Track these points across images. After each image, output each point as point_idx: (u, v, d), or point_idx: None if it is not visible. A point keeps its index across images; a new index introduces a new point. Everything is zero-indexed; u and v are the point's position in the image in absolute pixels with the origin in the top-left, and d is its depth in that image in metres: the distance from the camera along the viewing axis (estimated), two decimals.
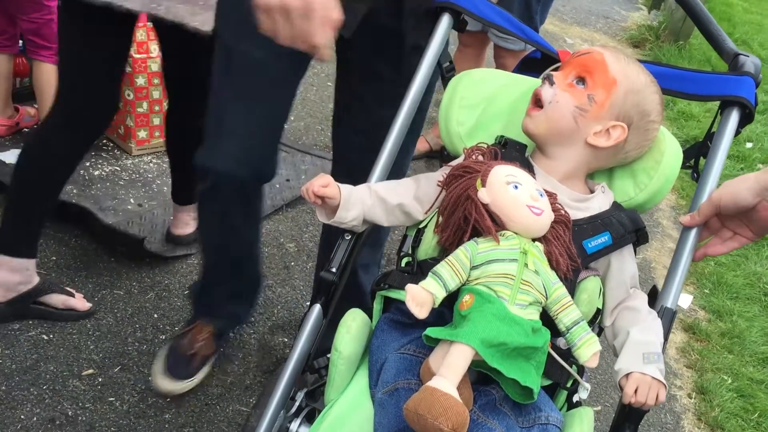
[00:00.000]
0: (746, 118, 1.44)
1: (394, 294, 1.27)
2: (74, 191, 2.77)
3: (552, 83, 1.35)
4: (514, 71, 1.72)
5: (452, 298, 1.17)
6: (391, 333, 1.24)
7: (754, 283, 3.36)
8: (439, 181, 1.31)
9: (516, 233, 1.18)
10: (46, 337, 2.18)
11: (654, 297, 1.39)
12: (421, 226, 1.34)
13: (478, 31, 3.13)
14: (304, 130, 3.65)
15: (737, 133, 1.45)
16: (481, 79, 1.50)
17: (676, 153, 1.39)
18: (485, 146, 1.34)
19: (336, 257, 1.40)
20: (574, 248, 1.24)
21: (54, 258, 2.48)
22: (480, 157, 1.32)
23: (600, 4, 7.30)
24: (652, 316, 1.31)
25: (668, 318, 1.33)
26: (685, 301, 3.13)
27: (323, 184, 1.29)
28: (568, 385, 1.23)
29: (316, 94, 3.99)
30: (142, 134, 3.05)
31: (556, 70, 1.41)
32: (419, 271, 1.25)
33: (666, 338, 1.31)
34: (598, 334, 1.35)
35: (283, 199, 3.04)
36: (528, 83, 1.51)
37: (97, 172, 2.92)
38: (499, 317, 1.08)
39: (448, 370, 1.03)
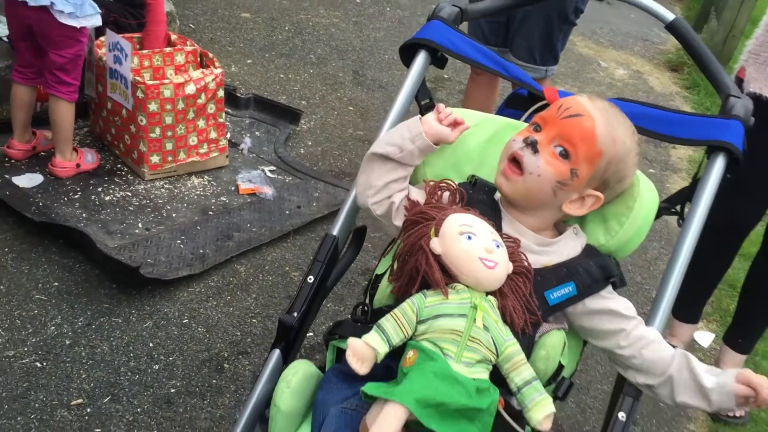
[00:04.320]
0: (734, 164, 1.36)
1: (344, 345, 1.22)
2: (83, 215, 2.79)
3: (536, 151, 1.26)
4: (498, 110, 1.67)
5: (401, 351, 1.12)
6: (337, 385, 1.19)
7: None
8: (405, 206, 1.27)
9: (468, 286, 1.12)
10: (39, 365, 2.19)
11: None
12: (378, 272, 1.29)
13: None
14: (321, 156, 3.63)
15: (724, 178, 1.37)
16: None
17: (650, 199, 1.32)
18: (453, 184, 1.29)
19: (297, 301, 1.37)
20: (535, 300, 1.18)
21: (56, 284, 2.50)
22: (446, 194, 1.27)
23: (639, 26, 7.15)
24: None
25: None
26: (706, 339, 3.00)
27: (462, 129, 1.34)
28: None
29: (336, 119, 3.98)
30: (155, 159, 3.07)
31: (541, 109, 1.35)
32: (373, 320, 1.20)
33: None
34: (567, 391, 1.28)
35: (292, 226, 3.01)
36: (498, 124, 1.45)
37: (108, 198, 2.94)
38: (440, 376, 1.03)
39: (379, 430, 0.98)
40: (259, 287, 2.70)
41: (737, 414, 2.63)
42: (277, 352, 1.34)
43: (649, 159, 4.43)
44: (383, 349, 1.08)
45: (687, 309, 2.76)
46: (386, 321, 1.11)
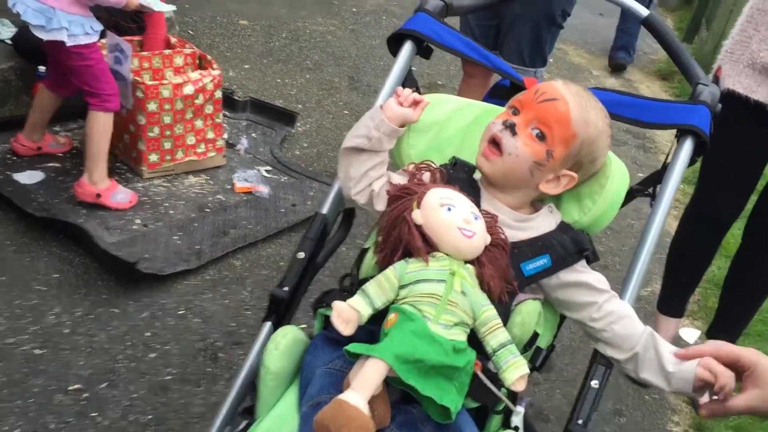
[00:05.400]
0: (701, 147, 1.44)
1: (331, 312, 1.29)
2: (83, 212, 2.85)
3: (514, 133, 1.32)
4: (485, 98, 1.74)
5: (384, 317, 1.18)
6: (323, 349, 1.26)
7: (766, 319, 3.27)
8: (387, 190, 1.33)
9: (447, 254, 1.19)
10: (38, 352, 2.25)
11: None
12: (365, 246, 1.36)
13: None
14: (316, 157, 3.71)
15: (692, 161, 1.45)
16: (432, 104, 1.51)
17: (621, 178, 1.40)
18: (433, 165, 1.36)
19: (289, 275, 1.43)
20: (511, 271, 1.24)
21: (56, 276, 2.56)
22: (426, 174, 1.34)
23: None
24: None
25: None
26: (691, 336, 3.06)
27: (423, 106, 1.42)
28: (499, 408, 1.23)
29: (332, 122, 4.05)
30: (153, 158, 3.14)
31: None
32: (358, 289, 1.27)
33: None
34: (544, 362, 1.35)
35: (287, 223, 3.08)
36: (478, 108, 1.53)
37: None
38: (419, 335, 1.10)
39: (359, 383, 1.05)
40: (254, 281, 2.76)
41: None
42: (268, 325, 1.41)
43: (638, 163, 4.51)
44: (366, 312, 1.15)
45: (672, 303, 2.83)
46: (370, 285, 1.17)
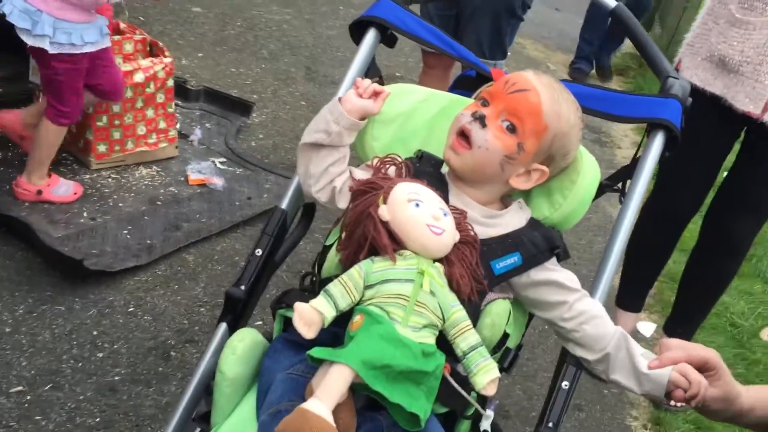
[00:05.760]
0: (672, 141, 1.41)
1: (292, 314, 1.22)
2: (26, 204, 2.72)
3: (484, 125, 1.26)
4: (450, 89, 1.69)
5: (349, 318, 1.12)
6: (283, 353, 1.20)
7: (721, 312, 3.30)
8: (350, 186, 1.27)
9: (415, 253, 1.14)
10: None
11: None
12: (327, 243, 1.30)
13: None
14: (272, 149, 3.62)
15: (663, 156, 1.42)
16: (397, 94, 1.45)
17: (592, 173, 1.36)
18: (398, 159, 1.30)
19: (245, 273, 1.36)
20: (481, 269, 1.19)
21: None
22: (392, 168, 1.28)
23: None
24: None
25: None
26: (648, 329, 3.08)
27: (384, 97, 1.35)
28: (468, 413, 1.18)
29: (288, 113, 3.96)
30: (101, 148, 3.01)
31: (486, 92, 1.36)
32: (321, 289, 1.20)
33: None
34: (512, 362, 1.31)
35: (242, 217, 2.99)
36: (446, 99, 1.47)
37: None
38: (386, 338, 1.04)
39: (323, 391, 0.99)
40: (207, 276, 2.67)
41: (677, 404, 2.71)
42: (224, 326, 1.34)
43: (595, 158, 4.52)
44: (330, 314, 1.08)
45: (630, 298, 2.84)
46: (333, 286, 1.11)
